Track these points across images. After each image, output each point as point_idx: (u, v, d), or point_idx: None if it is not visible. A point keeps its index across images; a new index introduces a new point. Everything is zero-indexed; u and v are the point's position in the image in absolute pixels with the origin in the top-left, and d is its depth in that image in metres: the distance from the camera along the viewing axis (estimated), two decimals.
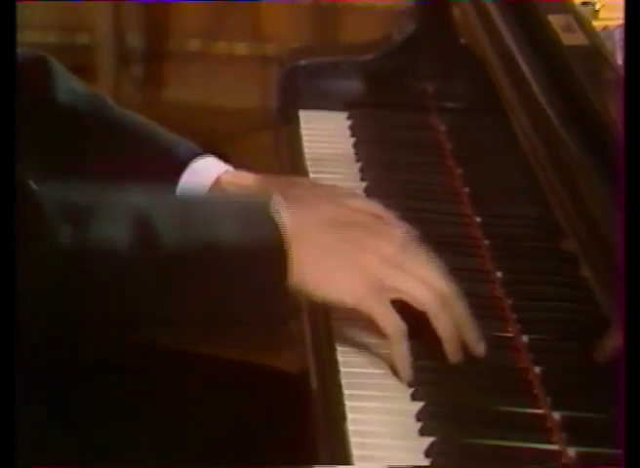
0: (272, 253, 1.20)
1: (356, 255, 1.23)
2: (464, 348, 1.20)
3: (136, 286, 1.19)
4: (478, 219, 1.46)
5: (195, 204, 1.26)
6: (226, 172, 1.46)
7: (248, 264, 1.21)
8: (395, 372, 1.20)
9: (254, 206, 1.25)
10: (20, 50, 1.27)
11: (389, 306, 1.20)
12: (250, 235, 1.21)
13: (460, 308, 1.22)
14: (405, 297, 1.21)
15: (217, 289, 1.21)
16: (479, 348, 1.21)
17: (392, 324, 1.20)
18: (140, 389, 1.40)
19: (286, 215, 1.22)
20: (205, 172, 1.46)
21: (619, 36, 1.41)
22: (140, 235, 1.18)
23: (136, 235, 1.18)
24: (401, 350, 1.20)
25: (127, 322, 1.22)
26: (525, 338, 1.23)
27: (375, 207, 1.32)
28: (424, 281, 1.21)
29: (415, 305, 1.20)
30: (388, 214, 1.30)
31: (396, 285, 1.21)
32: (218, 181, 1.45)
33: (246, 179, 1.46)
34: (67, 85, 1.47)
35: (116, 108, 1.55)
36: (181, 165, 1.45)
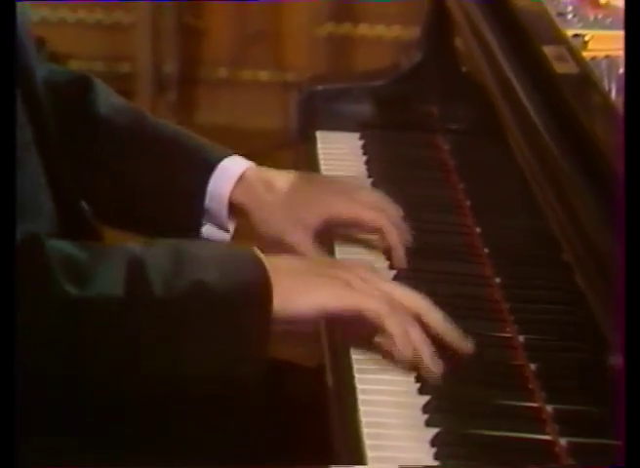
0: (258, 289, 1.18)
1: (324, 273, 1.23)
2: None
3: (132, 332, 1.17)
4: (478, 230, 1.46)
5: (182, 250, 1.22)
6: (250, 167, 1.50)
7: (233, 304, 1.18)
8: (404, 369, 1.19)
9: (237, 249, 1.26)
10: (67, 71, 1.27)
11: (364, 292, 1.19)
12: (235, 274, 1.20)
13: (434, 316, 1.20)
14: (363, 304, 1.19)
15: (203, 331, 1.18)
16: (465, 345, 1.20)
17: (374, 303, 1.19)
18: None
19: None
20: (233, 168, 1.49)
21: (605, 65, 1.41)
22: (135, 286, 1.16)
23: (130, 287, 1.15)
24: (393, 321, 1.18)
25: (127, 366, 1.18)
26: (521, 338, 1.23)
27: (382, 200, 1.39)
28: (385, 291, 1.21)
29: (367, 311, 1.19)
30: (394, 208, 1.38)
31: (360, 289, 1.20)
32: (243, 176, 1.49)
33: (267, 173, 1.50)
34: (109, 99, 1.50)
35: (152, 117, 1.58)
36: (213, 163, 1.49)
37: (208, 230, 1.51)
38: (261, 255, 1.21)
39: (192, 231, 1.50)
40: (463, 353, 1.20)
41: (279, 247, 1.42)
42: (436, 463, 1.05)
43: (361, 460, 1.07)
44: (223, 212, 1.49)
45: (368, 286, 1.21)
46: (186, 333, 1.17)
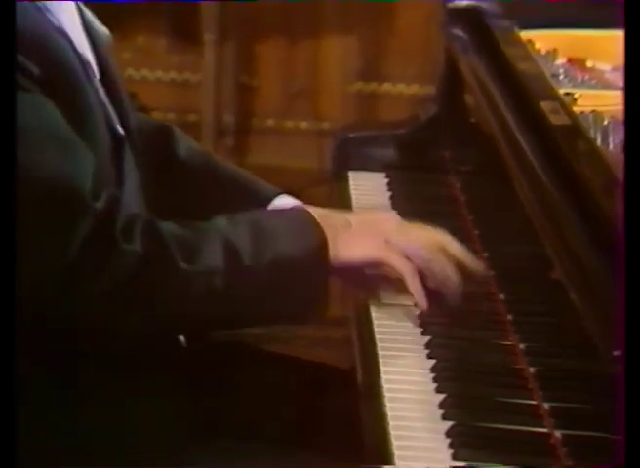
0: (318, 250, 1.25)
1: (365, 230, 1.30)
2: None
3: (232, 294, 1.22)
4: (485, 254, 1.45)
5: (260, 224, 1.28)
6: (298, 205, 1.48)
7: (301, 264, 1.25)
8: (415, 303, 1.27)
9: (299, 215, 1.31)
10: (152, 120, 1.27)
11: (400, 254, 1.26)
12: (300, 239, 1.26)
13: (455, 246, 1.29)
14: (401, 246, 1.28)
15: (283, 286, 1.26)
16: (480, 267, 1.31)
17: (404, 265, 1.25)
18: (220, 380, 1.38)
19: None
20: (284, 205, 1.48)
21: (592, 119, 1.41)
22: (230, 258, 1.21)
23: (227, 259, 1.21)
24: (415, 284, 1.25)
25: (228, 322, 1.28)
26: (522, 346, 1.23)
27: (414, 244, 1.33)
28: (416, 237, 1.29)
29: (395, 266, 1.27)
30: (423, 251, 1.33)
31: (397, 241, 1.27)
32: None
33: (314, 211, 1.46)
34: (187, 144, 1.50)
35: (219, 160, 1.58)
36: (267, 200, 1.48)
37: None
38: (317, 218, 1.29)
39: None
40: (479, 273, 1.30)
41: None
42: (450, 450, 1.04)
43: (387, 447, 1.06)
44: None
45: (399, 238, 1.28)
46: (271, 288, 1.24)
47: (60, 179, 1.16)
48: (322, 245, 1.26)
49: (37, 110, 1.18)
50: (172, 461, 1.23)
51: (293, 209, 1.39)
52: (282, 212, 1.41)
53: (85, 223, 1.16)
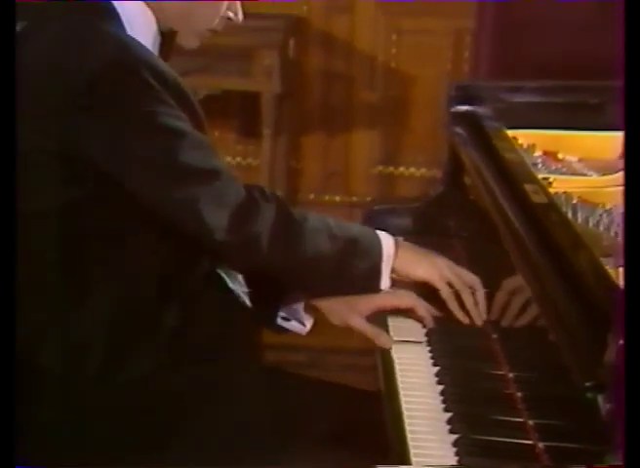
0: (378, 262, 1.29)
1: (431, 259, 1.33)
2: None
3: (317, 253, 1.24)
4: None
5: (339, 224, 1.30)
6: None
7: (362, 262, 1.28)
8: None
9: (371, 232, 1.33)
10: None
11: (445, 281, 1.31)
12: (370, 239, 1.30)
13: (477, 283, 1.33)
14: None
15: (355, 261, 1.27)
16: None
17: (446, 288, 1.30)
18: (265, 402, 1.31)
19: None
20: None
21: (564, 198, 1.40)
22: (319, 238, 1.24)
23: (300, 234, 1.23)
24: (453, 302, 1.30)
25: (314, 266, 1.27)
26: (512, 375, 1.20)
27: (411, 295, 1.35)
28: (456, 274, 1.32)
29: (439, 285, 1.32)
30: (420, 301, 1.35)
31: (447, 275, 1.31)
32: None
33: None
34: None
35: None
36: None
37: (287, 324, 1.36)
38: (387, 243, 1.31)
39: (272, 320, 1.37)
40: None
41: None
42: (456, 457, 1.02)
43: (406, 455, 1.04)
44: (300, 308, 1.35)
45: (447, 272, 1.32)
46: (343, 265, 1.27)
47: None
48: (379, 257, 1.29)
49: (197, 147, 1.17)
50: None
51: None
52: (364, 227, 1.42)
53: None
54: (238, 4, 1.29)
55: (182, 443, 1.19)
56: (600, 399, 0.88)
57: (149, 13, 1.22)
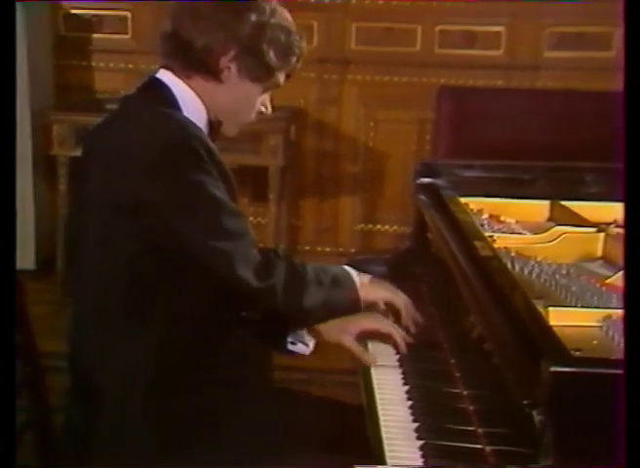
0: (355, 290, 1.29)
1: (381, 290, 1.33)
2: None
3: (306, 299, 1.24)
4: (441, 328, 1.40)
5: (320, 267, 1.29)
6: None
7: (346, 292, 1.28)
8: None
9: (343, 270, 1.31)
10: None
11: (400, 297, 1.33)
12: (345, 279, 1.29)
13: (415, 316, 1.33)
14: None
15: (335, 299, 1.27)
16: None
17: (403, 302, 1.32)
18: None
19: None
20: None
21: (504, 252, 1.38)
22: (295, 280, 1.22)
23: (304, 283, 1.23)
24: (408, 313, 1.32)
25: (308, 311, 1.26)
26: (465, 392, 1.19)
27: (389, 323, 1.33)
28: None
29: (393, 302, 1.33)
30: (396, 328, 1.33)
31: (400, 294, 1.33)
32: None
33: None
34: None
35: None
36: None
37: (294, 346, 1.35)
38: (356, 276, 1.30)
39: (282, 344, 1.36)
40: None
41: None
42: (422, 459, 1.01)
43: (382, 456, 1.02)
44: (304, 332, 1.34)
45: (399, 293, 1.33)
46: (330, 299, 1.26)
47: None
48: (356, 289, 1.28)
49: (233, 215, 1.17)
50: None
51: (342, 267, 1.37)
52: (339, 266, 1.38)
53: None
54: (268, 99, 1.28)
55: (210, 447, 1.18)
56: (534, 413, 0.87)
57: (200, 102, 1.23)
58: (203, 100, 1.23)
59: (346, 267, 1.33)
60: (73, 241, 1.26)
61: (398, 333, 1.32)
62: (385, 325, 1.34)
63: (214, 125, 1.26)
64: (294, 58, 1.25)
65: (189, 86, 1.22)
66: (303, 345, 1.34)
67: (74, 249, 1.24)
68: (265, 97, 1.29)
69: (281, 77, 1.26)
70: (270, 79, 1.25)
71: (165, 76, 1.22)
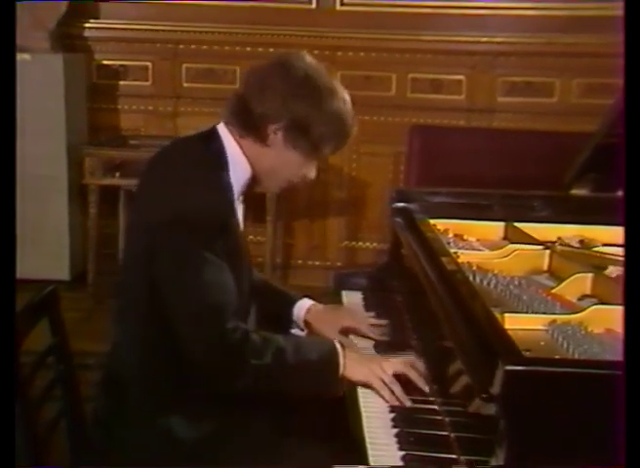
0: (337, 367, 1.16)
1: (367, 365, 1.18)
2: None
3: (281, 374, 1.14)
4: (415, 337, 1.37)
5: (301, 343, 1.18)
6: (313, 304, 1.42)
7: (326, 370, 1.16)
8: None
9: (326, 343, 1.20)
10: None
11: (380, 380, 1.15)
12: (328, 356, 1.16)
13: (413, 374, 1.17)
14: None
15: (315, 378, 1.15)
16: (424, 386, 1.15)
17: (380, 385, 1.16)
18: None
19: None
20: (304, 304, 1.40)
21: (467, 266, 1.38)
22: (281, 359, 1.13)
23: (279, 359, 1.13)
24: (386, 395, 1.14)
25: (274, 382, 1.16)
26: (434, 387, 1.16)
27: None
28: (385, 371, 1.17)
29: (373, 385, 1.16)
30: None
31: (380, 375, 1.16)
32: (309, 308, 1.39)
33: (320, 307, 1.41)
34: (255, 273, 1.33)
35: (271, 282, 1.46)
36: (294, 301, 1.40)
37: (294, 331, 1.40)
38: (340, 348, 1.16)
39: (287, 330, 1.39)
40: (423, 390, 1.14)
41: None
42: (397, 445, 0.99)
43: (363, 443, 1.01)
44: (300, 324, 1.39)
45: (381, 372, 1.16)
46: (309, 378, 1.15)
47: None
48: (339, 365, 1.15)
49: (220, 272, 1.12)
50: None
51: (327, 340, 1.22)
52: (319, 339, 1.27)
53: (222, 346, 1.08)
54: (315, 167, 1.24)
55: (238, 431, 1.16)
56: (491, 405, 0.87)
57: (245, 161, 1.20)
58: (249, 160, 1.20)
59: (337, 344, 1.19)
60: (124, 257, 1.24)
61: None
62: (366, 327, 1.31)
63: (257, 179, 1.24)
64: (341, 142, 1.21)
65: (239, 144, 1.19)
66: (299, 330, 1.36)
67: (123, 263, 1.22)
68: (312, 165, 1.24)
69: (327, 152, 1.22)
70: (314, 153, 1.21)
71: (223, 131, 1.20)
